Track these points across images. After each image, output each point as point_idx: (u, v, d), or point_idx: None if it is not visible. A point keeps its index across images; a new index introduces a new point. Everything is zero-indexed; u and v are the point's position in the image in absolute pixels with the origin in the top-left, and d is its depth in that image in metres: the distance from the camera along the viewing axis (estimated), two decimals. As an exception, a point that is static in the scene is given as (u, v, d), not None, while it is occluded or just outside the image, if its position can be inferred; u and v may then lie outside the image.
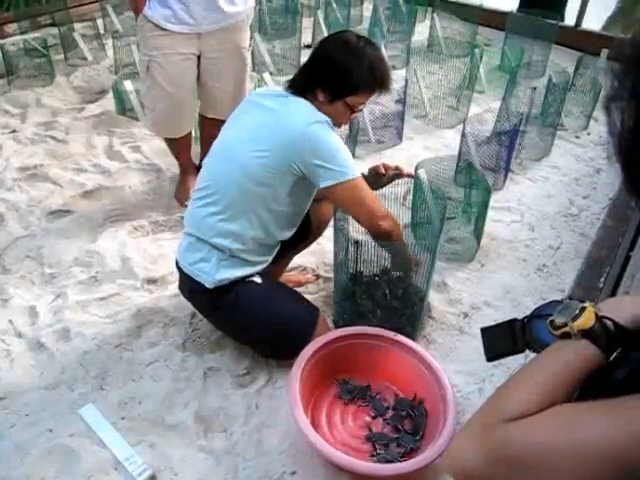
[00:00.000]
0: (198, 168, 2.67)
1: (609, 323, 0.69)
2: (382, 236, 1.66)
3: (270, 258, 1.78)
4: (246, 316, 1.70)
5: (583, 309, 0.70)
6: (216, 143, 1.72)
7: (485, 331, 0.83)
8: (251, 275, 1.72)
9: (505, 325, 0.81)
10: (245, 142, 1.60)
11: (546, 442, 0.58)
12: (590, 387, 0.68)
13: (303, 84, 1.61)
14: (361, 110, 1.70)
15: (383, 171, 1.83)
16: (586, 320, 0.68)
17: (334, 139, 1.57)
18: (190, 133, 2.55)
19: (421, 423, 1.59)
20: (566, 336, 0.70)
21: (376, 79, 1.60)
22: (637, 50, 0.52)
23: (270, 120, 1.58)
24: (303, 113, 1.56)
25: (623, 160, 0.54)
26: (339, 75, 1.57)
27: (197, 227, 1.69)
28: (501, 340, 0.81)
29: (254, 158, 1.57)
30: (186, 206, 2.48)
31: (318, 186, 1.59)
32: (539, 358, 0.71)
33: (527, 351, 0.81)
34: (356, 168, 1.60)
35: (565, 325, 0.70)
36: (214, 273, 1.65)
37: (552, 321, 0.72)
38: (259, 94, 1.71)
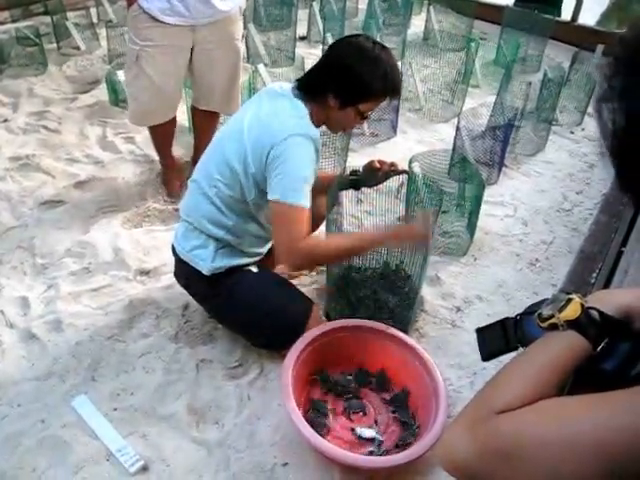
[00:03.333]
0: (194, 163, 2.65)
1: (595, 313, 0.69)
2: (292, 266, 1.75)
3: (265, 250, 1.79)
4: (241, 304, 1.71)
5: (569, 300, 0.71)
6: (217, 132, 1.70)
7: (479, 331, 0.84)
8: (247, 264, 1.73)
9: (498, 324, 0.82)
10: (232, 139, 1.59)
11: (535, 435, 0.58)
12: (579, 378, 0.69)
13: (314, 87, 1.58)
14: (370, 116, 1.68)
15: (378, 166, 1.82)
16: (572, 311, 0.69)
17: (305, 159, 1.52)
18: (173, 125, 2.51)
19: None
20: (554, 327, 0.71)
21: (390, 87, 1.59)
22: (626, 50, 0.51)
23: (259, 121, 1.55)
24: (291, 122, 1.52)
25: (615, 159, 0.54)
26: (353, 83, 1.54)
27: (193, 216, 1.69)
28: (494, 339, 0.82)
29: (236, 156, 1.56)
30: (173, 202, 2.50)
31: (266, 195, 1.54)
32: (528, 351, 0.72)
33: (521, 349, 0.82)
34: (307, 199, 1.53)
35: (552, 317, 0.71)
36: (211, 260, 1.66)
37: (540, 314, 0.73)
38: (269, 90, 1.65)
